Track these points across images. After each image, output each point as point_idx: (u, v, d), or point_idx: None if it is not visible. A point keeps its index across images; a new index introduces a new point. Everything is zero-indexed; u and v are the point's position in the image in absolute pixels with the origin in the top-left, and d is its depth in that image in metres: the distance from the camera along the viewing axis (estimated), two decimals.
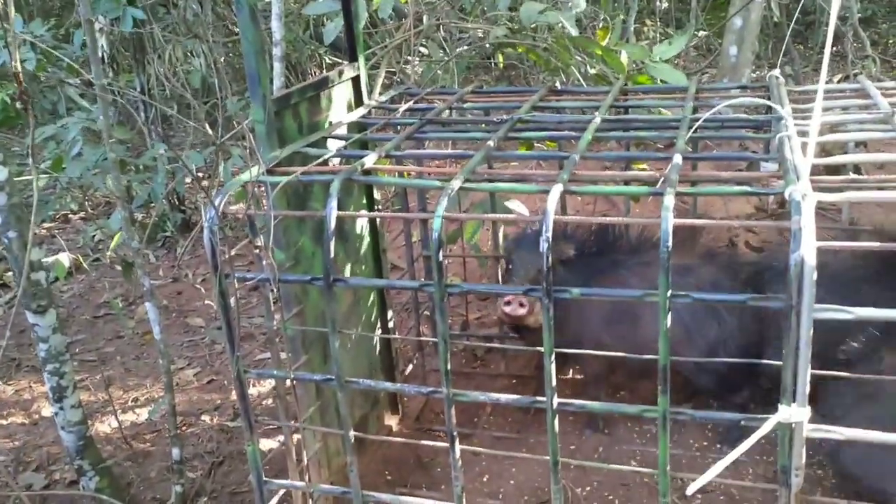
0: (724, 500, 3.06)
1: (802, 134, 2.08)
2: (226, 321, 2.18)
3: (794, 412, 1.76)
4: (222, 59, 6.54)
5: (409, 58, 4.87)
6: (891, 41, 9.88)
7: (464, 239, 3.98)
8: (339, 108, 3.02)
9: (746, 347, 3.27)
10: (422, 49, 6.95)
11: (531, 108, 2.82)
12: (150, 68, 6.08)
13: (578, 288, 1.92)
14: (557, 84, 3.29)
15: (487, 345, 4.13)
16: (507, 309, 3.12)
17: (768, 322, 3.16)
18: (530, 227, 3.59)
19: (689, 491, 1.76)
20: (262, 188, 2.21)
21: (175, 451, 3.11)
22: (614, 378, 3.71)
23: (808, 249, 1.66)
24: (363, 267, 3.29)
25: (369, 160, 2.29)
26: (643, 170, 3.17)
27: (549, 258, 1.86)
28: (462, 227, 4.08)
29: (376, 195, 3.37)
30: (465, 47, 5.76)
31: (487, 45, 5.07)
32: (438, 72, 6.14)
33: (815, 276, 1.66)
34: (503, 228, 4.08)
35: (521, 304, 3.08)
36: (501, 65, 7.88)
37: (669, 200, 1.82)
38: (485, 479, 3.26)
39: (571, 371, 3.85)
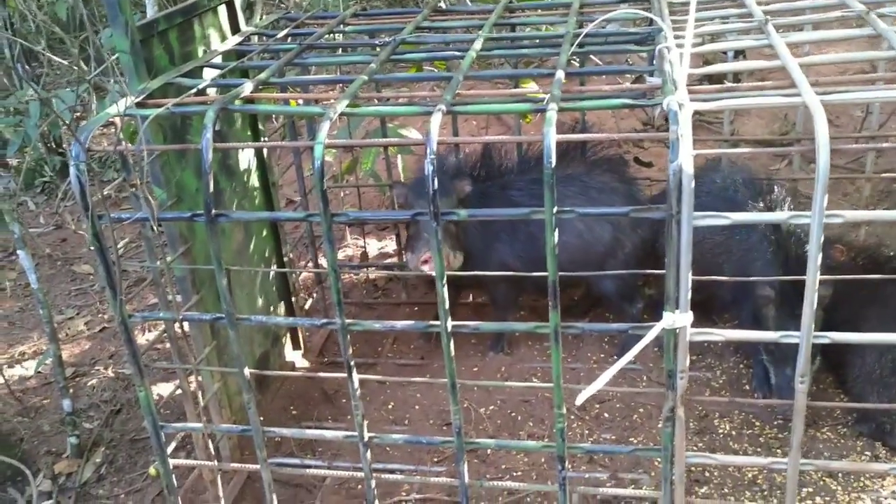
0: (620, 407, 3.19)
1: (681, 45, 2.10)
2: (104, 264, 2.07)
3: (678, 318, 1.81)
4: None
5: None
6: None
7: (361, 168, 3.90)
8: (214, 37, 2.86)
9: (643, 244, 3.38)
10: None
11: (415, 28, 2.74)
12: (12, 0, 5.62)
13: (465, 210, 1.91)
14: (442, 3, 3.20)
15: (387, 272, 4.11)
16: (425, 268, 3.16)
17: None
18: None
19: (578, 401, 1.80)
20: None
21: (66, 403, 2.99)
22: (525, 300, 3.78)
23: (685, 158, 1.68)
24: (253, 202, 3.19)
25: (246, 89, 2.18)
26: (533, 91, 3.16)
27: (435, 181, 1.83)
28: (358, 157, 4.00)
29: (262, 127, 3.25)
30: None
31: None
32: None
33: (693, 185, 1.69)
34: (400, 161, 4.03)
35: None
36: None
37: (552, 116, 1.81)
38: (390, 407, 3.29)
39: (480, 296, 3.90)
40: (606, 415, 3.16)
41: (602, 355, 3.51)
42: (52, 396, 3.54)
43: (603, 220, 3.30)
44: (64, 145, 5.74)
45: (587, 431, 3.08)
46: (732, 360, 3.39)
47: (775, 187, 3.18)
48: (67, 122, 2.92)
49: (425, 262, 3.15)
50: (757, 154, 4.18)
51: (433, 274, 2.80)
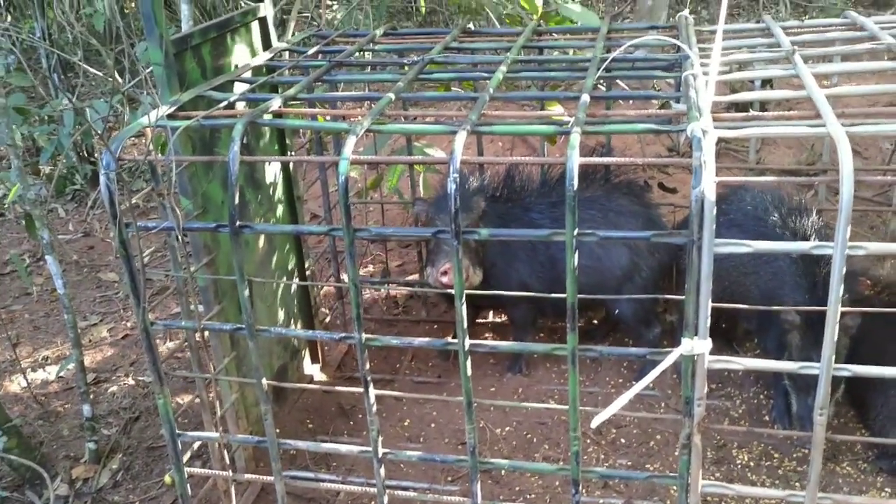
0: (637, 433, 3.16)
1: (707, 73, 2.10)
2: (129, 272, 2.11)
3: (697, 344, 1.81)
4: (129, 2, 6.24)
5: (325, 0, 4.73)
6: None
7: (387, 185, 3.93)
8: (245, 52, 2.91)
9: (661, 269, 3.37)
10: None
11: (443, 49, 2.77)
12: (51, 11, 5.75)
13: (487, 230, 1.92)
14: (471, 25, 3.24)
15: (408, 289, 4.13)
16: (445, 279, 3.15)
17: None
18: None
19: (593, 424, 1.80)
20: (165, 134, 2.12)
21: (86, 408, 3.03)
22: (543, 321, 3.77)
23: (708, 185, 1.68)
24: (277, 215, 3.22)
25: (274, 103, 2.22)
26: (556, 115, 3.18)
27: (457, 200, 1.84)
28: (383, 174, 4.03)
29: (290, 142, 3.29)
30: None
31: None
32: (359, 16, 6.00)
33: (714, 212, 1.69)
34: (422, 179, 4.05)
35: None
36: (423, 10, 7.75)
37: (575, 139, 1.82)
38: (406, 424, 3.28)
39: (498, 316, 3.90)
40: (623, 440, 3.14)
41: (620, 380, 3.48)
42: (73, 401, 3.57)
43: (620, 243, 3.30)
44: (95, 154, 5.84)
45: (603, 456, 3.06)
46: (752, 390, 3.35)
47: (807, 211, 3.14)
48: (100, 131, 2.98)
49: (444, 273, 3.16)
50: (782, 183, 4.15)
51: (452, 286, 2.81)
